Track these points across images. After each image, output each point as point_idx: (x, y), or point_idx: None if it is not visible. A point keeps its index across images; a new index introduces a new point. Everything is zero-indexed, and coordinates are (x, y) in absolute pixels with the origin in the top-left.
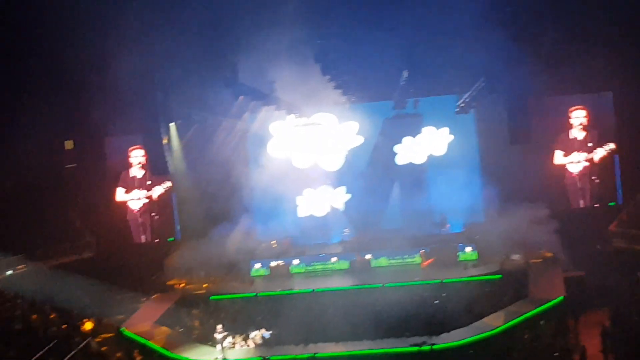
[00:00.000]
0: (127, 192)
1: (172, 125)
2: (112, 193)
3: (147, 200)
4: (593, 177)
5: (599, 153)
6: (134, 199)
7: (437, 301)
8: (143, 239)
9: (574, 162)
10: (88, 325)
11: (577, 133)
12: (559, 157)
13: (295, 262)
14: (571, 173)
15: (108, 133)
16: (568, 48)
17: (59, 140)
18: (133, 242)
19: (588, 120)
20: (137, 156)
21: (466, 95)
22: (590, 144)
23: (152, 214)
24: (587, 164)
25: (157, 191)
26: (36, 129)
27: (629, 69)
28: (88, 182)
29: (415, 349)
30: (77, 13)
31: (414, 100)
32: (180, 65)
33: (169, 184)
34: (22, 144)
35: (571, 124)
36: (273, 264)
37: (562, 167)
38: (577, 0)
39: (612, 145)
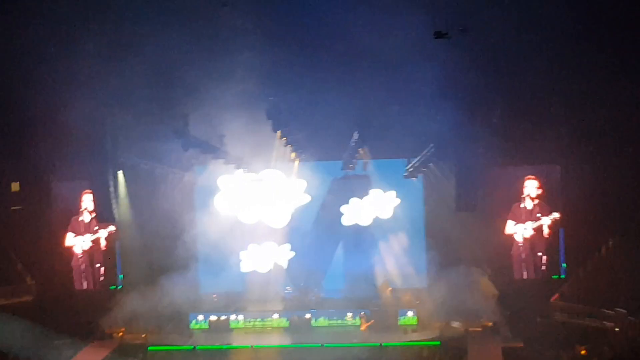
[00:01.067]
0: (75, 236)
1: (119, 172)
2: (57, 237)
3: (92, 244)
4: (539, 252)
5: (544, 222)
6: (78, 244)
7: None
8: (85, 285)
9: (521, 231)
10: None
11: (527, 203)
12: (510, 227)
13: (236, 317)
14: (518, 242)
15: (56, 177)
16: (518, 121)
17: (5, 181)
18: (74, 288)
19: (541, 191)
20: (85, 200)
21: (415, 160)
22: (538, 214)
23: (97, 264)
24: (533, 232)
25: (102, 234)
26: None
27: (577, 145)
28: (33, 225)
29: None
30: (28, 53)
31: (363, 162)
32: (130, 113)
33: (112, 228)
34: None
35: (522, 195)
36: (213, 317)
37: (510, 237)
38: (526, 75)
39: (556, 215)
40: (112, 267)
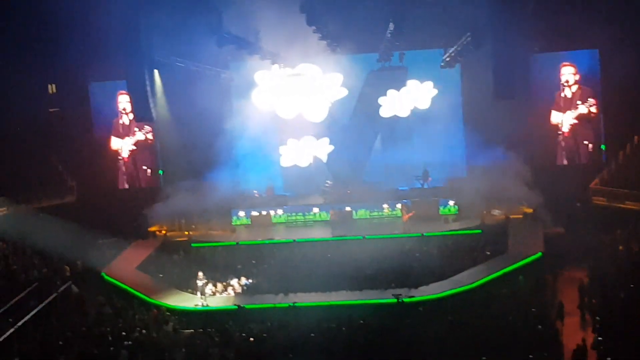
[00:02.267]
0: (117, 139)
1: (155, 71)
2: (96, 138)
3: (134, 148)
4: (584, 141)
5: (581, 109)
6: (124, 146)
7: (417, 254)
8: (127, 185)
9: (562, 120)
10: (69, 269)
11: (567, 91)
12: (555, 116)
13: (277, 212)
14: (560, 131)
15: (91, 78)
16: (554, 5)
17: (42, 84)
18: (116, 187)
19: (576, 79)
20: (122, 102)
21: (452, 50)
22: (578, 102)
23: (143, 166)
24: (575, 121)
25: (139, 136)
26: (19, 73)
27: (615, 27)
28: (71, 127)
29: (394, 300)
30: None
31: (399, 53)
32: (165, 11)
33: (149, 129)
34: (4, 87)
35: (560, 82)
36: (255, 213)
37: (554, 126)
38: None
39: (592, 101)
40: (154, 167)
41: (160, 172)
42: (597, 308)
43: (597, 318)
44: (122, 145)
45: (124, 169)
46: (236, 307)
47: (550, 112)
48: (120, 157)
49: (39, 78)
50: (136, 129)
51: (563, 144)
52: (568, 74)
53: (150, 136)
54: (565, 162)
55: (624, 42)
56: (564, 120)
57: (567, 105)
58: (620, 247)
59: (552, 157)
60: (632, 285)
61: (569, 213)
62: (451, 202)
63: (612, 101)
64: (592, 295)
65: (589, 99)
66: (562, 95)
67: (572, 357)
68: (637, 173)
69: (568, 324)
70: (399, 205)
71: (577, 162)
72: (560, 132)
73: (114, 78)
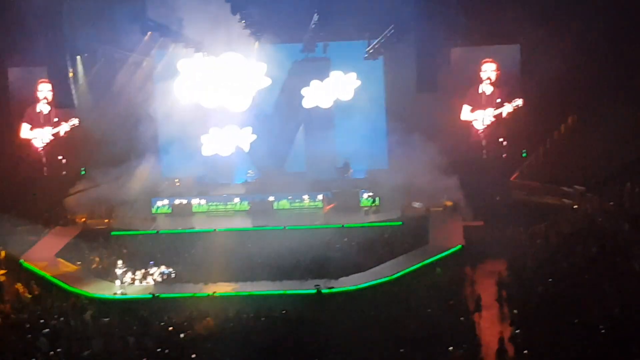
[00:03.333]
0: (32, 128)
1: (78, 58)
2: (16, 126)
3: (52, 138)
4: (500, 139)
5: (507, 109)
6: (38, 137)
7: (337, 245)
8: (45, 171)
9: (479, 119)
10: None
11: (486, 87)
12: (465, 113)
13: (198, 201)
14: (476, 130)
15: (10, 63)
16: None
17: None
18: (36, 175)
19: (497, 75)
20: (43, 90)
21: (375, 42)
22: (498, 100)
23: (59, 157)
24: (493, 119)
25: (64, 128)
26: None
27: (536, 22)
28: None
29: (314, 291)
30: None
31: (323, 44)
32: None
33: (75, 121)
34: None
35: (481, 78)
36: (176, 202)
37: (468, 123)
38: None
39: (519, 102)
40: (75, 156)
41: (82, 171)
42: (515, 301)
43: (515, 311)
44: (37, 135)
45: (43, 159)
46: (151, 296)
47: (468, 107)
48: (39, 148)
49: None
50: (56, 120)
51: (484, 142)
52: (489, 70)
53: (73, 127)
54: (484, 156)
55: (544, 38)
56: (480, 117)
57: (487, 102)
58: (538, 241)
59: (473, 151)
60: (550, 280)
61: (489, 206)
62: (371, 194)
63: (532, 97)
64: (511, 289)
65: (515, 99)
66: (481, 91)
67: (489, 350)
68: (556, 168)
69: (486, 317)
70: (320, 196)
71: (496, 157)
72: (479, 131)
73: (35, 64)
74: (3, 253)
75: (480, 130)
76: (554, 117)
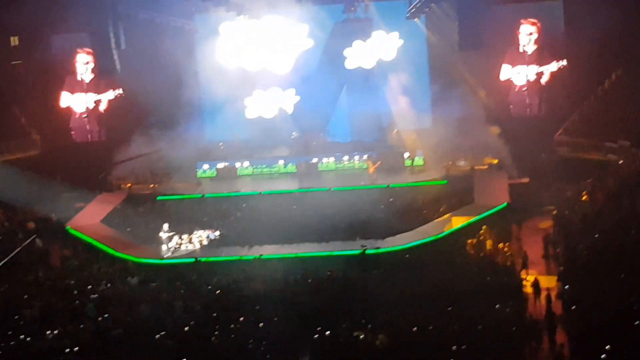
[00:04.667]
0: (73, 94)
1: (119, 24)
2: (57, 94)
3: (94, 105)
4: (540, 95)
5: (551, 68)
6: (79, 103)
7: (382, 206)
8: (89, 138)
9: (522, 75)
10: (33, 223)
11: (528, 47)
12: (505, 71)
13: (243, 164)
14: (520, 87)
15: (54, 30)
16: None
17: (5, 37)
18: (80, 141)
19: (539, 33)
20: (82, 61)
21: (416, 1)
22: (541, 58)
23: (99, 123)
24: (535, 77)
25: (108, 96)
26: None
27: None
28: (34, 80)
29: (361, 251)
30: None
31: (364, 5)
32: None
33: (119, 90)
34: None
35: (523, 36)
36: (220, 165)
37: (508, 81)
38: None
39: (564, 62)
40: (120, 122)
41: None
42: (562, 258)
43: (562, 268)
44: (79, 101)
45: (85, 126)
46: (194, 260)
47: (508, 65)
48: (82, 115)
49: (1, 30)
50: (98, 86)
51: (527, 100)
52: (530, 30)
53: (118, 96)
54: (528, 112)
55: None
56: (527, 72)
57: (530, 59)
58: (584, 197)
59: (516, 109)
60: (596, 235)
61: (534, 164)
62: (416, 153)
63: (576, 54)
64: (557, 245)
65: (559, 60)
66: (522, 50)
67: (536, 306)
68: (601, 124)
69: (533, 274)
70: (365, 157)
71: (537, 114)
72: (521, 87)
73: (77, 30)
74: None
75: (524, 88)
76: (599, 73)
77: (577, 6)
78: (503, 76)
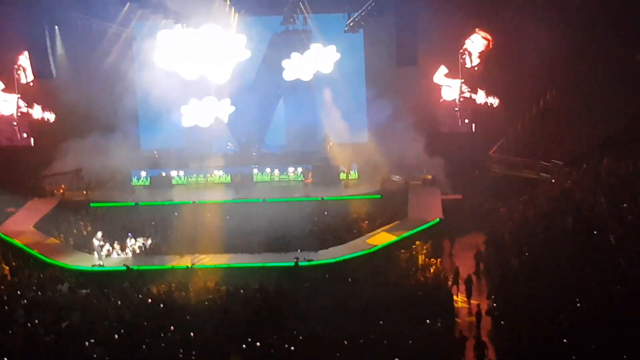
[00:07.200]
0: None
1: (56, 28)
2: None
3: (26, 110)
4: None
5: (480, 97)
6: (10, 107)
7: (316, 218)
8: (19, 142)
9: (455, 92)
10: None
11: (465, 64)
12: (441, 88)
13: (178, 173)
14: (452, 103)
15: None
16: None
17: None
18: (14, 145)
19: (477, 53)
20: (17, 64)
21: (356, 15)
22: (477, 78)
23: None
24: (469, 95)
25: (38, 114)
26: None
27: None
28: None
29: (292, 264)
30: None
31: (303, 17)
32: None
33: (51, 117)
34: None
35: (463, 51)
36: (155, 174)
37: (443, 98)
38: None
39: (494, 101)
40: (51, 128)
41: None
42: (492, 274)
43: (492, 284)
44: (9, 106)
45: (17, 129)
46: (125, 268)
47: (441, 68)
48: (12, 116)
49: None
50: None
51: (461, 115)
52: (474, 42)
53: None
54: (461, 129)
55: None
56: (462, 91)
57: (465, 77)
58: (516, 215)
59: (451, 125)
60: (526, 253)
61: (468, 180)
62: (351, 167)
63: (510, 71)
64: (488, 261)
65: (490, 96)
66: (459, 67)
67: (467, 321)
68: (534, 143)
69: (464, 290)
70: (300, 169)
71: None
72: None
73: (13, 34)
74: None
75: (457, 107)
76: (533, 92)
77: (506, 37)
78: (438, 93)
